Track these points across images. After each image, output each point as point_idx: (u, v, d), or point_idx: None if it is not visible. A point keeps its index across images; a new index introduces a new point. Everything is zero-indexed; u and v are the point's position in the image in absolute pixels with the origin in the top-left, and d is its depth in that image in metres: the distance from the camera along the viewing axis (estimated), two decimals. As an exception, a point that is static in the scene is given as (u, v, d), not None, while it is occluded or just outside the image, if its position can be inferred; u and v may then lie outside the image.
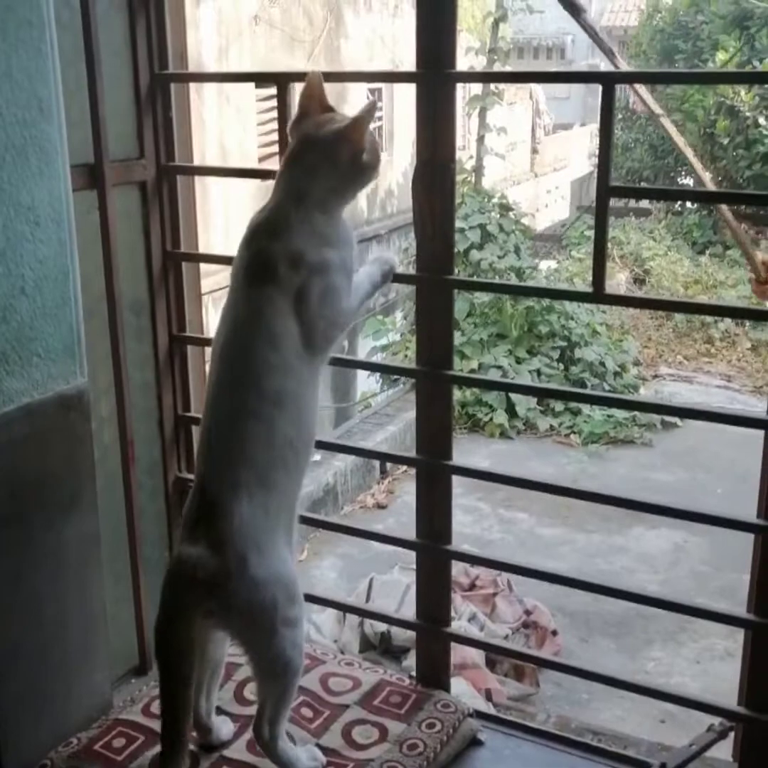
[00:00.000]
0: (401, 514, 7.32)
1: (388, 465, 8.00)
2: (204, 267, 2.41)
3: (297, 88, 1.80)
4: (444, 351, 1.99)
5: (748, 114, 13.01)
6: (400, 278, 1.89)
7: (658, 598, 2.00)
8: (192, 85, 2.30)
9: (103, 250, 2.07)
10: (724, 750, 2.10)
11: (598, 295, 1.78)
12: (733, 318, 10.01)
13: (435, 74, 1.84)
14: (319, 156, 1.66)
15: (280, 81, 1.98)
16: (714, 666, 5.37)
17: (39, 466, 1.84)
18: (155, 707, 2.05)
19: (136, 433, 2.21)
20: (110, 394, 2.14)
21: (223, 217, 9.52)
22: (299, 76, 1.76)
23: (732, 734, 2.03)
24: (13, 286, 1.74)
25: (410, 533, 2.22)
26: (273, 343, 1.64)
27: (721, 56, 12.70)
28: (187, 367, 2.33)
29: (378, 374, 10.10)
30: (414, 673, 2.23)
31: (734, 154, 13.56)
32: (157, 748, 1.89)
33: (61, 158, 1.81)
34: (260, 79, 2.24)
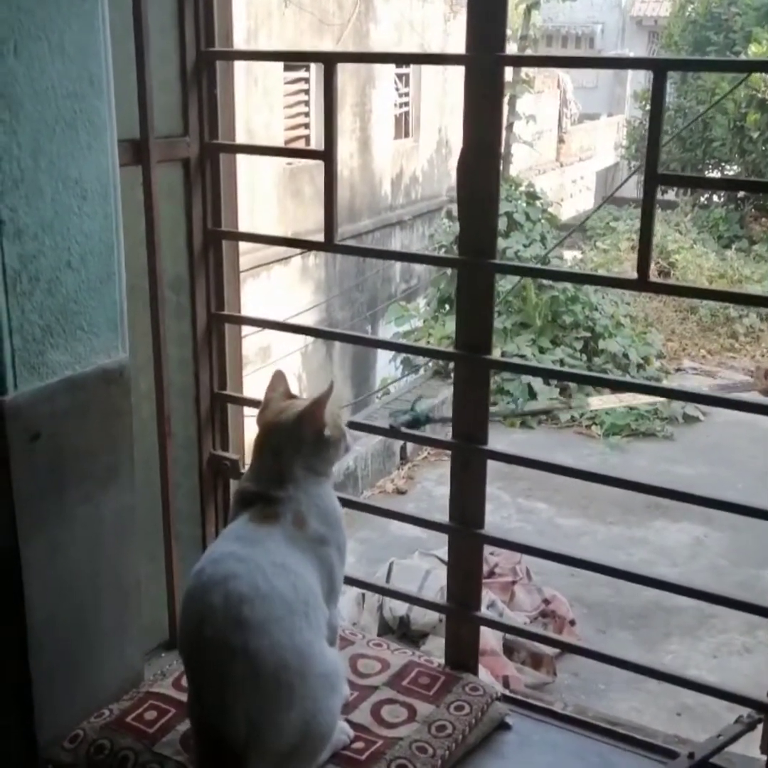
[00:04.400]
0: (421, 500, 7.34)
1: (409, 451, 8.01)
2: (240, 245, 2.41)
3: (344, 68, 1.81)
4: (484, 335, 1.99)
5: (779, 108, 12.92)
6: (441, 261, 1.91)
7: (697, 589, 1.99)
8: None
9: (146, 226, 2.07)
10: (746, 743, 2.09)
11: (643, 281, 1.78)
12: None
13: (485, 56, 1.83)
14: (283, 439, 1.76)
15: (328, 60, 1.97)
16: (731, 661, 5.38)
17: (79, 438, 1.85)
18: (186, 681, 2.06)
19: (173, 410, 2.22)
20: (149, 369, 2.15)
21: (249, 198, 9.53)
22: (346, 56, 1.78)
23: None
24: (59, 259, 1.75)
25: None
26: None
27: (754, 48, 12.59)
28: (224, 345, 2.33)
29: (398, 360, 10.10)
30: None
31: (764, 147, 13.47)
32: (188, 722, 1.92)
33: (110, 133, 1.81)
34: (307, 58, 2.26)
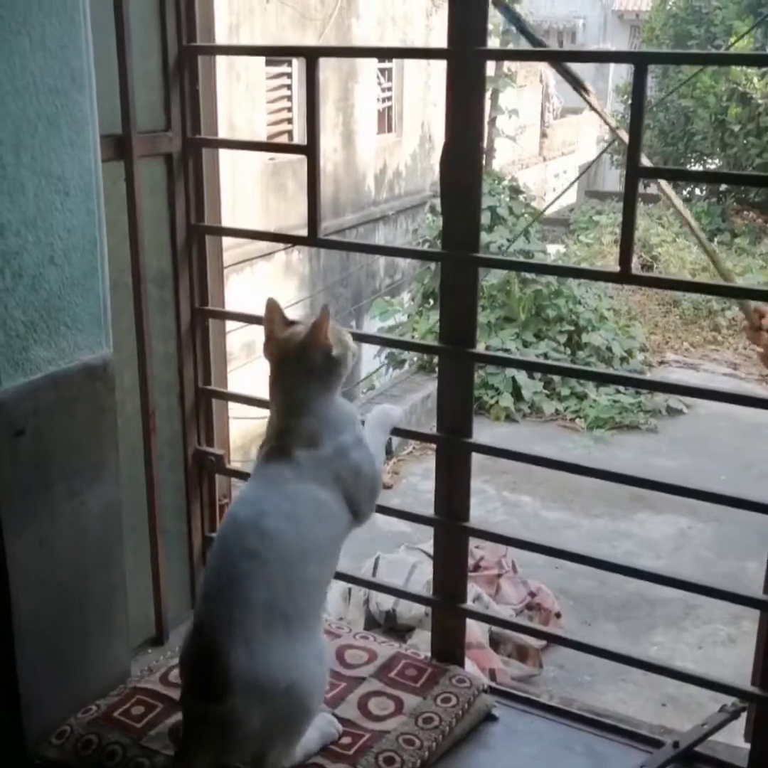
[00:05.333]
0: (406, 494, 7.34)
1: (394, 445, 8.02)
2: (224, 241, 2.41)
3: (327, 63, 1.82)
4: (467, 328, 1.99)
5: (760, 101, 12.96)
6: (425, 255, 1.91)
7: (681, 580, 2.01)
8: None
9: (129, 221, 2.07)
10: (728, 732, 2.11)
11: (624, 274, 1.79)
12: (763, 301, 9.98)
13: (466, 51, 1.83)
14: (294, 368, 1.80)
15: (310, 55, 1.97)
16: (716, 651, 5.40)
17: (64, 435, 1.85)
18: (173, 676, 2.07)
19: (157, 405, 2.22)
20: (133, 365, 2.14)
21: (232, 193, 9.51)
22: (329, 51, 1.77)
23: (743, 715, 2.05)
24: (42, 255, 1.75)
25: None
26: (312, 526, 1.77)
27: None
28: (208, 340, 2.33)
29: (383, 355, 10.10)
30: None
31: (745, 141, 13.52)
32: (176, 716, 1.92)
33: (92, 128, 1.81)
34: (289, 53, 2.26)
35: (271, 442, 1.80)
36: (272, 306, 1.84)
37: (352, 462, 1.81)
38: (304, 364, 1.79)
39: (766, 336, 2.69)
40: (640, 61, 1.70)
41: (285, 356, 1.81)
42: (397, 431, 2.09)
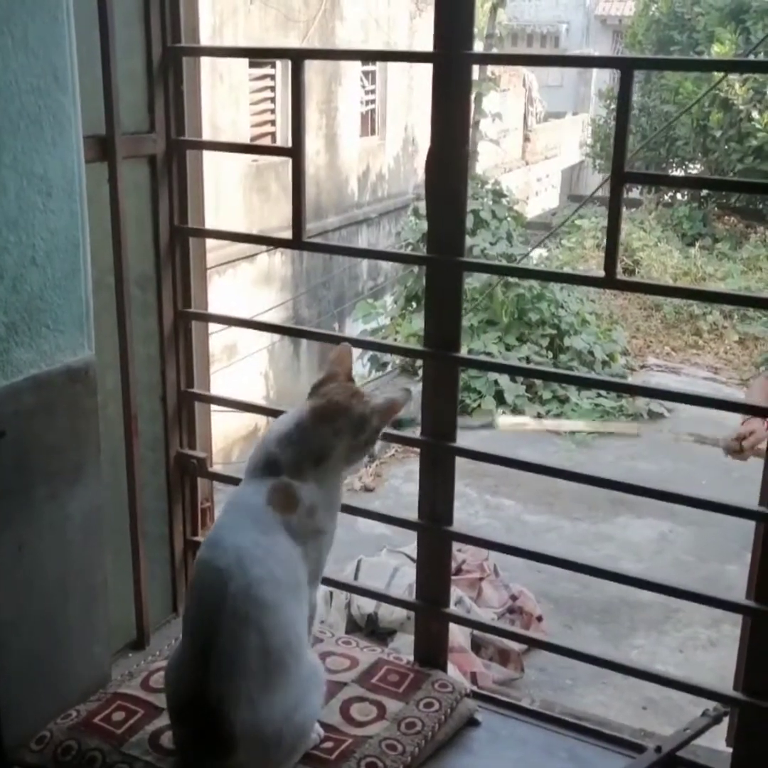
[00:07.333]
0: (388, 497, 7.33)
1: (377, 448, 8.01)
2: (207, 242, 2.40)
3: (310, 65, 1.81)
4: (452, 333, 1.99)
5: (741, 107, 13.02)
6: (409, 259, 1.90)
7: (666, 585, 2.01)
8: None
9: (113, 223, 2.05)
10: (710, 737, 2.11)
11: (610, 279, 1.79)
12: (744, 306, 9.92)
13: (452, 54, 1.83)
14: (348, 423, 1.75)
15: (296, 57, 1.97)
16: (696, 655, 5.42)
17: (45, 437, 1.84)
18: (154, 681, 2.05)
19: (139, 408, 2.21)
20: (115, 367, 2.13)
21: (215, 195, 9.48)
22: (315, 53, 1.77)
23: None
24: (24, 255, 1.73)
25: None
26: (282, 564, 1.72)
27: (717, 48, 12.71)
28: (191, 342, 2.32)
29: (366, 358, 10.10)
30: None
31: (726, 147, 13.59)
32: (157, 722, 1.91)
33: (75, 129, 1.80)
34: (275, 55, 2.25)
35: (281, 473, 1.74)
36: (346, 353, 1.83)
37: (321, 548, 1.79)
38: (360, 426, 1.77)
39: (747, 453, 2.99)
40: (626, 67, 1.71)
41: (343, 412, 1.76)
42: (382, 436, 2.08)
